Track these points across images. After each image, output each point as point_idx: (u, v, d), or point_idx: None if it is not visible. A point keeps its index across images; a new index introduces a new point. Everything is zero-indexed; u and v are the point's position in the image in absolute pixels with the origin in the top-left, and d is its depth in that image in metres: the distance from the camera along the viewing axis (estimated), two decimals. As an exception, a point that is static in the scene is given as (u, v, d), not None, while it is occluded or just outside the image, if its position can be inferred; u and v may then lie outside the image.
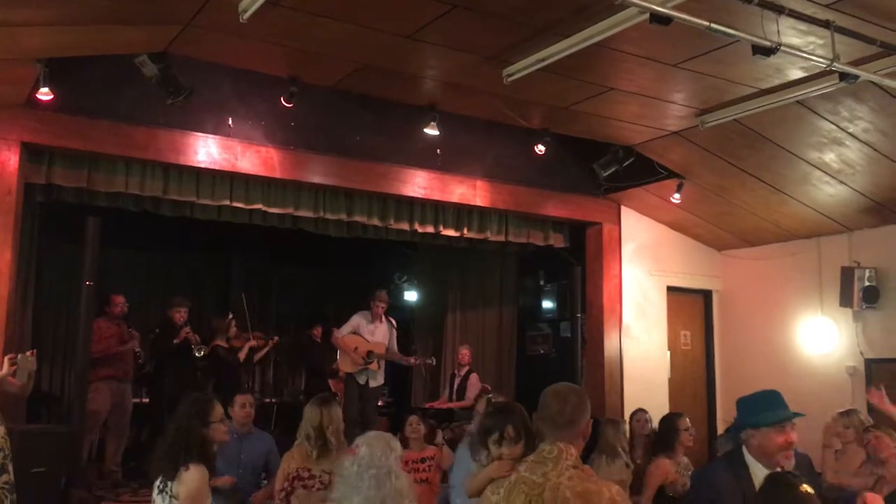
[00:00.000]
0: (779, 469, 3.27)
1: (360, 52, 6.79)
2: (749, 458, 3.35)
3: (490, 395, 7.46)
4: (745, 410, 3.46)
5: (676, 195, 9.05)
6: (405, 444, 6.06)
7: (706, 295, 10.74)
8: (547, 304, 11.17)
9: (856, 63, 5.96)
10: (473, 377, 10.01)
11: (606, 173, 8.95)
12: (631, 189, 9.45)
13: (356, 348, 8.94)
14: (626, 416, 9.14)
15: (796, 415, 3.42)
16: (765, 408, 3.39)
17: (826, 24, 5.53)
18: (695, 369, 10.64)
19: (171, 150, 7.29)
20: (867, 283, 8.67)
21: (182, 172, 7.56)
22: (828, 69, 5.85)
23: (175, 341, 8.55)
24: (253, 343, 9.70)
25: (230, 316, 9.65)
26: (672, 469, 5.70)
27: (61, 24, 5.83)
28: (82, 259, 7.03)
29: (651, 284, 10.13)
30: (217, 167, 7.51)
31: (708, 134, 7.95)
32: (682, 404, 9.51)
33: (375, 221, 8.67)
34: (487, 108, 8.07)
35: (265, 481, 5.90)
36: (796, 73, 6.62)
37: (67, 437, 6.64)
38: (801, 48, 5.79)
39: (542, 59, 6.42)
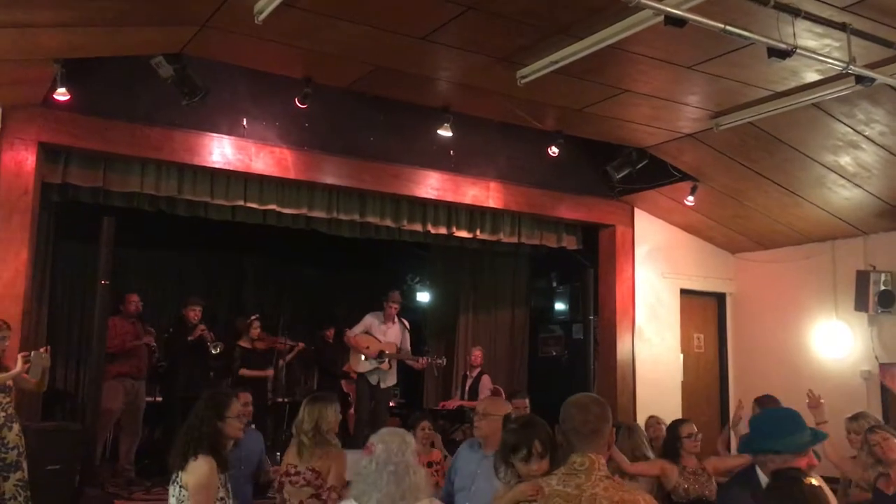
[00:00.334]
0: None
1: (374, 53, 6.81)
2: (763, 480, 3.28)
3: (510, 413, 7.42)
4: (765, 434, 3.32)
5: (690, 198, 9.02)
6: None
7: (719, 298, 10.70)
8: (559, 306, 11.15)
9: (872, 66, 5.93)
10: (485, 378, 9.99)
11: (620, 175, 8.94)
12: (644, 191, 9.43)
13: (368, 348, 8.96)
14: (639, 420, 9.12)
15: (819, 439, 3.34)
16: (787, 433, 3.26)
17: (842, 27, 5.51)
18: (708, 373, 10.59)
19: (186, 150, 7.34)
20: (883, 288, 8.60)
21: (197, 173, 7.61)
22: (844, 72, 5.82)
23: (190, 339, 8.58)
24: (282, 346, 9.71)
25: (252, 317, 9.67)
26: (674, 473, 5.65)
27: (78, 25, 5.88)
28: (97, 258, 7.08)
29: (664, 287, 10.10)
30: (231, 168, 7.55)
31: (722, 136, 7.92)
32: (694, 408, 9.49)
33: (388, 222, 8.69)
34: (501, 109, 8.07)
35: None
36: (812, 76, 6.59)
37: (81, 435, 6.69)
38: (817, 51, 5.76)
39: (556, 61, 6.42)
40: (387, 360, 8.97)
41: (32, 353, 6.09)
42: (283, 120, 7.72)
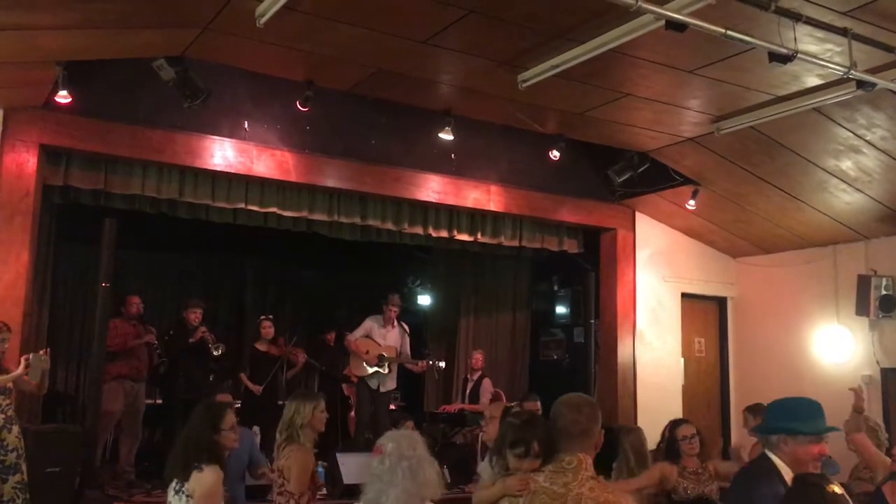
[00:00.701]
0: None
1: (375, 56, 6.82)
2: (779, 464, 3.29)
3: (513, 406, 7.40)
4: (781, 416, 3.35)
5: (691, 202, 9.02)
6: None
7: (721, 302, 10.69)
8: (560, 310, 11.15)
9: (873, 71, 5.93)
10: (486, 382, 9.99)
11: (621, 179, 8.93)
12: (646, 195, 9.42)
13: (368, 352, 8.95)
14: (640, 424, 9.11)
15: (833, 428, 3.36)
16: (806, 416, 3.30)
17: (843, 32, 5.51)
18: (709, 377, 10.58)
19: (188, 153, 7.34)
20: (884, 292, 8.60)
21: (198, 175, 7.62)
22: (845, 77, 5.81)
23: (191, 340, 8.58)
24: (294, 356, 9.70)
25: (261, 317, 9.66)
26: (673, 473, 5.66)
27: (80, 28, 5.88)
28: (98, 260, 7.08)
29: (665, 291, 10.09)
30: (233, 170, 7.56)
31: (724, 140, 7.92)
32: (695, 412, 9.47)
33: (389, 225, 8.69)
34: (502, 113, 8.08)
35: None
36: (813, 81, 6.59)
37: (81, 438, 6.68)
38: (819, 55, 5.76)
39: (557, 65, 6.42)
40: (387, 363, 8.97)
41: (32, 355, 6.09)
42: (285, 123, 7.74)
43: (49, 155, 7.05)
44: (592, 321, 9.50)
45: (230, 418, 3.95)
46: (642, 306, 9.89)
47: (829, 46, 5.81)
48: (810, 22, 5.37)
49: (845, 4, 5.30)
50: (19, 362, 6.02)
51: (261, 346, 9.30)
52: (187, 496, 3.66)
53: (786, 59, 5.45)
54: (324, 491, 7.09)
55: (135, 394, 8.18)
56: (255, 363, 9.26)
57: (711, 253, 10.47)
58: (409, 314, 11.12)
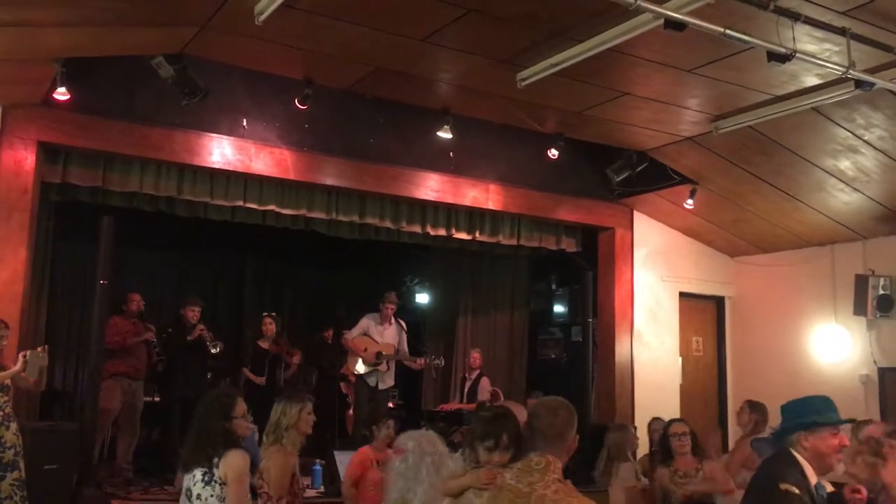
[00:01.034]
0: (831, 470, 3.27)
1: (374, 54, 6.82)
2: (801, 460, 3.30)
3: (486, 400, 7.46)
4: (797, 413, 3.39)
5: (690, 201, 9.02)
6: (370, 440, 6.04)
7: (719, 301, 10.70)
8: (558, 309, 11.15)
9: (872, 70, 5.93)
10: (484, 381, 9.99)
11: (619, 178, 8.94)
12: (644, 194, 9.43)
13: (366, 349, 8.95)
14: (637, 423, 9.13)
15: (850, 420, 3.47)
16: (820, 410, 3.36)
17: (842, 32, 5.51)
18: (706, 376, 10.59)
19: (186, 150, 7.34)
20: (881, 292, 8.62)
21: (196, 173, 7.61)
22: (843, 76, 5.82)
23: (189, 338, 8.58)
24: (292, 356, 9.71)
25: (263, 315, 9.66)
26: (665, 477, 5.68)
27: (78, 25, 5.88)
28: (97, 258, 7.07)
29: (663, 290, 10.10)
30: (231, 168, 7.55)
31: (722, 140, 7.93)
32: (693, 411, 9.49)
33: (388, 224, 8.69)
34: (501, 111, 8.08)
35: None
36: (812, 80, 6.59)
37: (79, 435, 6.67)
38: (817, 55, 5.76)
39: (556, 64, 6.42)
40: (384, 361, 8.97)
41: (29, 351, 6.08)
42: (283, 121, 7.73)
43: (47, 152, 7.05)
44: (590, 320, 9.51)
45: (241, 406, 3.92)
46: (640, 305, 9.89)
47: (828, 46, 5.82)
48: (809, 21, 5.37)
49: (844, 4, 5.31)
50: (17, 359, 6.01)
51: (263, 344, 9.31)
52: (220, 483, 3.64)
53: (784, 58, 5.46)
54: (306, 493, 7.10)
55: (132, 392, 8.18)
56: (256, 360, 9.26)
57: (709, 252, 10.48)
58: (407, 313, 11.11)
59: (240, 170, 7.59)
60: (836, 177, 8.04)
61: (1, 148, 6.70)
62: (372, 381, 8.99)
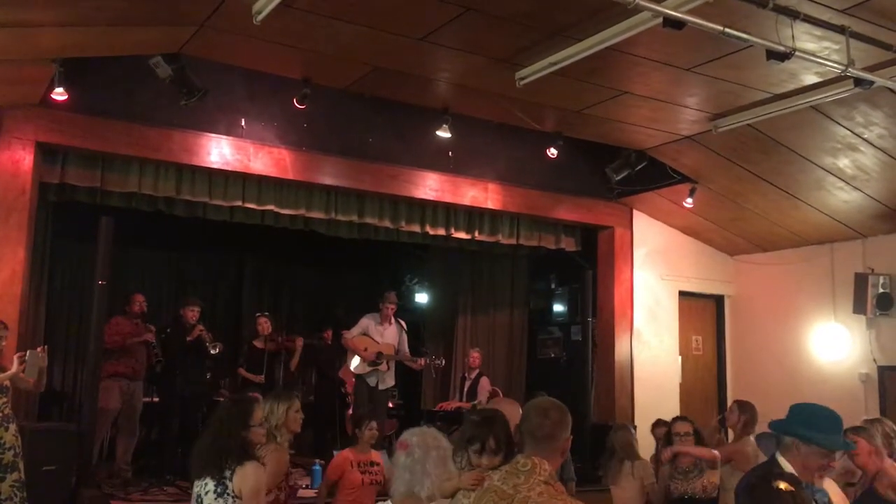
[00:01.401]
0: (814, 482, 3.25)
1: (372, 54, 6.81)
2: (787, 467, 3.29)
3: (479, 402, 7.45)
4: (803, 421, 3.35)
5: (689, 200, 9.02)
6: (355, 442, 6.03)
7: (718, 300, 10.69)
8: (558, 308, 11.14)
9: (871, 69, 5.93)
10: (484, 380, 9.98)
11: (619, 177, 8.93)
12: (643, 193, 9.43)
13: (366, 349, 8.94)
14: (637, 422, 9.13)
15: (849, 447, 3.43)
16: (826, 428, 3.31)
17: (841, 30, 5.51)
18: (706, 375, 10.59)
19: (185, 150, 7.33)
20: (881, 290, 8.61)
21: (195, 173, 7.60)
22: (843, 74, 5.82)
23: (188, 339, 8.56)
24: (289, 344, 9.66)
25: (257, 315, 9.65)
26: (664, 473, 5.70)
27: (76, 25, 5.87)
28: (95, 258, 7.06)
29: (663, 289, 10.10)
30: (230, 168, 7.54)
31: (721, 138, 7.92)
32: (692, 410, 9.46)
33: (387, 223, 8.68)
34: (500, 110, 8.07)
35: None
36: (811, 78, 6.59)
37: (78, 436, 6.66)
38: (816, 53, 5.76)
39: (555, 63, 6.41)
40: (384, 361, 8.96)
41: (28, 352, 6.06)
42: (282, 120, 7.72)
43: (45, 152, 7.04)
44: (590, 319, 9.51)
45: (259, 413, 3.93)
46: (640, 304, 9.89)
47: (827, 44, 5.81)
48: (808, 20, 5.36)
49: (843, 2, 5.30)
50: (15, 360, 5.99)
51: (258, 343, 9.29)
52: (234, 497, 3.63)
53: (783, 56, 5.45)
54: (306, 494, 7.09)
55: (131, 393, 8.17)
56: (252, 359, 9.24)
57: (709, 251, 10.47)
58: (407, 312, 11.10)
59: (238, 170, 7.58)
60: (835, 175, 8.04)
61: (-1, 148, 6.69)
62: (372, 381, 8.97)
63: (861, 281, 8.73)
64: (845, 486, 4.43)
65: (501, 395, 9.50)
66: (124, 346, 8.11)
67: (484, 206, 8.92)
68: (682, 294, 10.26)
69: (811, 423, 3.32)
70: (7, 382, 5.96)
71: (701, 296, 10.50)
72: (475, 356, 10.19)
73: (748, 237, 10.03)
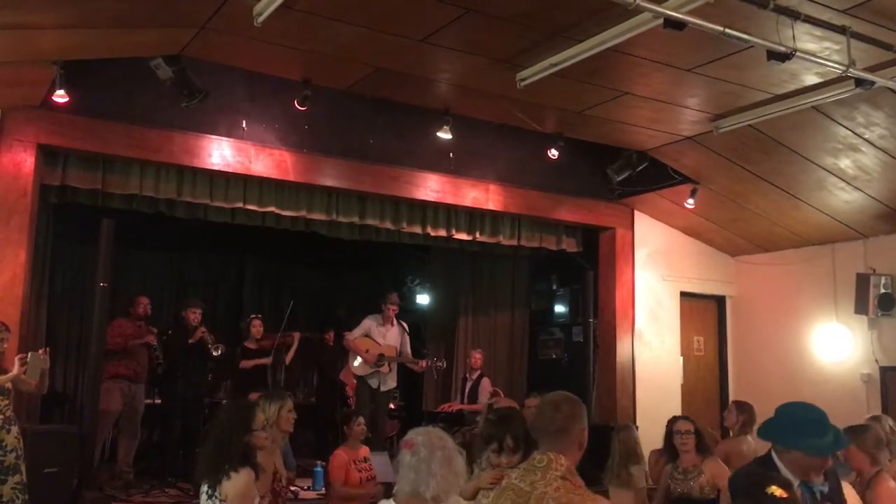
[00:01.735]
0: (811, 480, 3.25)
1: (373, 55, 6.81)
2: (781, 467, 3.29)
3: (491, 402, 7.45)
4: (789, 428, 3.33)
5: (690, 200, 9.01)
6: (344, 440, 6.02)
7: (720, 301, 10.69)
8: (559, 309, 11.13)
9: (872, 69, 5.92)
10: (485, 381, 9.97)
11: (620, 178, 8.93)
12: (644, 194, 9.42)
13: (367, 351, 8.94)
14: (638, 422, 9.11)
15: (840, 445, 3.37)
16: (813, 433, 3.28)
17: (842, 30, 5.50)
18: (708, 375, 10.58)
19: (186, 152, 7.33)
20: (883, 291, 8.60)
21: (196, 175, 7.60)
22: (843, 75, 5.81)
23: (191, 341, 8.56)
24: (285, 340, 9.66)
25: (251, 317, 9.66)
26: (668, 475, 5.70)
27: (77, 27, 5.87)
28: (96, 260, 7.06)
29: (664, 290, 10.09)
30: (231, 170, 7.54)
31: (722, 139, 7.92)
32: (694, 410, 9.45)
33: (388, 224, 8.68)
34: (500, 111, 8.07)
35: None
36: (812, 79, 6.58)
37: (79, 438, 6.66)
38: (817, 54, 5.75)
39: (556, 64, 6.41)
40: (386, 362, 8.96)
41: (30, 354, 6.07)
42: (283, 122, 7.72)
43: (46, 154, 7.04)
44: (591, 320, 9.49)
45: (261, 417, 3.95)
46: (641, 305, 9.89)
47: (828, 44, 5.81)
48: (809, 20, 5.36)
49: (844, 2, 5.30)
50: (16, 362, 5.98)
51: (250, 345, 9.28)
52: (221, 501, 3.65)
53: (784, 57, 5.45)
54: (307, 495, 7.09)
55: (132, 394, 8.17)
56: (249, 359, 9.24)
57: (710, 252, 10.47)
58: (408, 313, 11.10)
59: (239, 171, 7.58)
60: (836, 175, 8.03)
61: (0, 150, 6.69)
62: (374, 383, 8.97)
63: (863, 281, 8.73)
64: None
65: (503, 395, 9.49)
66: (126, 348, 8.11)
67: (485, 207, 8.92)
68: (683, 295, 10.25)
69: (797, 429, 3.29)
70: (9, 384, 5.96)
71: (702, 296, 10.49)
72: (476, 357, 10.18)
73: (749, 238, 10.02)
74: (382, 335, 9.07)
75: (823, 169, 7.98)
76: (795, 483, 3.24)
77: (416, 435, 3.06)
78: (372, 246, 9.74)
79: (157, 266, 11.34)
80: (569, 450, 2.78)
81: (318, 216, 8.29)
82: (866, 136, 7.29)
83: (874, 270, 8.71)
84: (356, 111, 7.99)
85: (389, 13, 5.96)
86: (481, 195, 8.84)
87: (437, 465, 2.89)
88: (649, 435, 7.44)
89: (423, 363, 9.67)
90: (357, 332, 9.14)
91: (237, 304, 12.13)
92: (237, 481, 3.64)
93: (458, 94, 7.63)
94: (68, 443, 6.55)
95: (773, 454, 3.35)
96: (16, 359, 5.97)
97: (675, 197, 9.31)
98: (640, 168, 8.86)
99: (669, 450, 5.86)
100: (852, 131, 7.26)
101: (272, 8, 5.51)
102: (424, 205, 8.75)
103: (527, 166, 8.99)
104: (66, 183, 7.21)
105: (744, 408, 6.48)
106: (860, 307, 8.73)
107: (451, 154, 8.52)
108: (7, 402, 5.96)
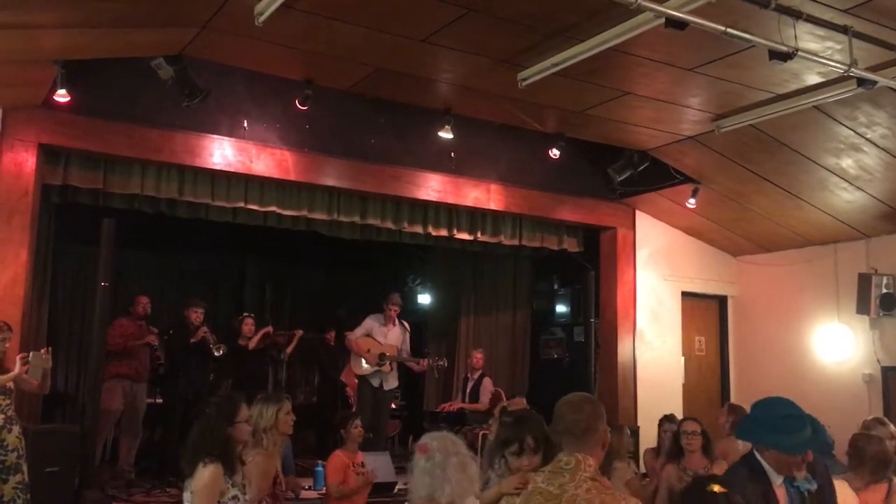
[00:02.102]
0: (793, 476, 3.23)
1: (374, 55, 6.81)
2: (764, 464, 3.29)
3: (505, 404, 7.45)
4: (764, 426, 3.30)
5: (692, 200, 9.01)
6: (342, 443, 6.00)
7: (721, 300, 10.68)
8: (561, 309, 11.12)
9: (874, 68, 5.91)
10: (486, 381, 9.97)
11: (621, 178, 8.93)
12: (646, 194, 9.41)
13: (369, 350, 8.94)
14: (640, 422, 9.13)
15: (819, 439, 3.31)
16: (788, 430, 3.24)
17: (844, 30, 5.50)
18: (709, 375, 10.57)
19: (187, 152, 7.33)
20: (884, 291, 8.59)
21: (197, 174, 7.60)
22: (845, 74, 5.80)
23: (192, 341, 8.56)
24: (268, 329, 9.65)
25: (243, 315, 9.66)
26: (674, 475, 5.69)
27: (78, 27, 5.87)
28: (97, 260, 7.06)
29: (665, 289, 10.08)
30: (232, 169, 7.54)
31: (724, 139, 7.91)
32: (695, 410, 9.42)
33: (389, 224, 8.68)
34: (502, 111, 8.06)
35: None
36: (813, 78, 6.57)
37: (81, 437, 6.66)
38: (819, 53, 5.74)
39: (557, 64, 6.40)
40: (388, 362, 8.96)
41: (31, 353, 6.07)
42: (284, 122, 7.72)
43: (48, 154, 7.04)
44: (593, 320, 9.48)
45: (244, 411, 3.95)
46: (642, 305, 9.88)
47: (830, 44, 5.80)
48: (810, 19, 5.35)
49: (846, 2, 5.29)
50: (17, 362, 5.99)
51: (241, 342, 9.28)
52: (190, 492, 3.69)
53: (786, 56, 5.44)
54: (290, 496, 7.07)
55: (134, 394, 8.17)
56: (243, 358, 9.24)
57: (712, 251, 10.46)
58: (409, 313, 11.09)
59: (241, 171, 7.58)
60: (838, 175, 8.02)
61: (1, 150, 6.69)
62: (375, 382, 8.98)
63: (864, 281, 8.71)
64: None
65: (504, 395, 9.50)
66: (127, 348, 8.12)
67: (486, 206, 8.91)
68: (684, 294, 10.24)
69: (772, 428, 3.25)
70: (10, 384, 5.97)
71: (704, 296, 10.48)
72: (478, 357, 10.18)
73: (751, 238, 10.01)
74: (384, 335, 9.08)
75: (825, 169, 7.97)
76: (779, 480, 3.23)
77: (431, 440, 3.05)
78: (373, 246, 9.74)
79: (158, 266, 11.33)
80: (594, 450, 2.76)
81: (319, 216, 8.28)
82: (868, 136, 7.28)
83: (876, 270, 8.70)
84: (357, 111, 7.99)
85: (390, 13, 5.96)
86: (483, 195, 8.83)
87: (452, 470, 2.88)
88: (650, 435, 7.46)
89: (424, 363, 9.68)
90: (359, 331, 9.14)
91: (238, 303, 12.13)
92: (203, 475, 3.65)
93: (459, 93, 7.63)
94: (69, 442, 6.55)
95: (755, 452, 3.33)
96: (17, 358, 5.97)
97: (676, 197, 9.30)
98: (642, 168, 8.85)
99: (673, 450, 5.85)
100: (854, 131, 7.25)
101: (273, 8, 5.51)
102: (426, 205, 8.75)
103: (528, 166, 8.98)
104: (67, 183, 7.21)
105: (735, 410, 6.53)
106: (862, 307, 8.72)
107: (452, 154, 8.52)
108: (8, 401, 5.97)
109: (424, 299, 13.00)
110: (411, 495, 2.94)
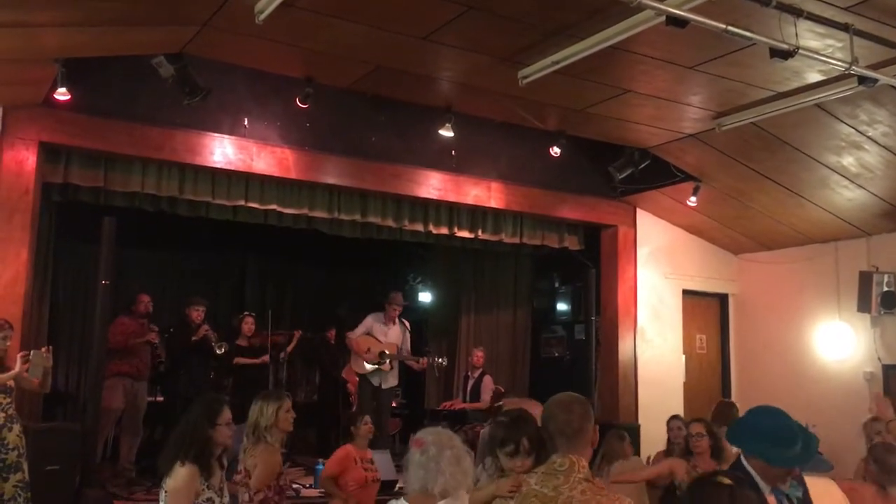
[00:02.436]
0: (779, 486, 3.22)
1: (375, 53, 6.80)
2: (751, 471, 3.25)
3: (501, 403, 7.46)
4: (756, 435, 3.20)
5: (693, 198, 9.00)
6: (351, 439, 6.02)
7: (722, 299, 10.67)
8: (561, 307, 11.13)
9: (875, 66, 5.90)
10: (487, 379, 9.98)
11: (622, 176, 8.91)
12: (647, 192, 9.41)
13: (369, 349, 8.95)
14: (641, 421, 9.13)
15: (809, 456, 3.21)
16: (780, 442, 3.14)
17: (845, 28, 5.48)
18: (710, 373, 10.57)
19: (187, 150, 7.33)
20: (886, 289, 8.58)
21: (198, 173, 7.60)
22: (846, 72, 5.80)
23: (194, 338, 8.57)
24: (278, 338, 9.67)
25: (244, 314, 9.67)
26: (682, 469, 5.69)
27: (79, 25, 5.87)
28: (98, 258, 7.06)
29: (666, 287, 10.08)
30: (232, 167, 7.54)
31: (725, 137, 7.90)
32: (696, 409, 9.44)
33: (390, 222, 8.68)
34: (502, 109, 8.06)
35: None
36: (814, 76, 6.56)
37: (81, 436, 6.66)
38: (820, 51, 5.73)
39: (558, 62, 6.40)
40: (388, 361, 8.96)
41: (32, 352, 6.08)
42: (285, 120, 7.72)
43: (48, 152, 7.03)
44: (593, 318, 9.47)
45: (227, 413, 3.95)
46: (643, 303, 9.88)
47: (831, 42, 5.79)
48: (811, 17, 5.34)
49: (847, 0, 5.28)
50: (18, 360, 5.99)
51: (240, 342, 9.29)
52: (165, 491, 3.71)
53: (787, 54, 5.43)
54: (309, 493, 7.09)
55: (135, 392, 8.18)
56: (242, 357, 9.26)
57: (713, 249, 10.45)
58: (410, 311, 11.10)
59: (241, 169, 7.58)
60: (839, 173, 8.01)
61: (2, 149, 6.69)
62: (376, 381, 8.99)
63: (866, 279, 8.70)
64: None
65: (505, 393, 9.49)
66: (128, 346, 8.12)
67: (487, 204, 8.91)
68: (685, 293, 10.24)
69: (765, 439, 3.16)
70: (11, 382, 5.97)
71: (705, 294, 10.48)
72: (478, 355, 10.19)
73: (752, 236, 10.00)
74: (384, 333, 9.09)
75: (826, 167, 7.96)
76: (767, 490, 3.19)
77: (426, 434, 3.06)
78: (373, 244, 9.74)
79: (158, 264, 11.34)
80: (584, 450, 2.76)
81: (319, 214, 8.28)
82: (869, 134, 7.27)
83: (877, 268, 8.69)
84: (358, 109, 7.99)
85: (391, 11, 5.95)
86: (483, 193, 8.83)
87: (445, 463, 2.89)
88: (651, 433, 7.45)
89: (424, 361, 9.68)
90: (359, 330, 9.15)
91: (239, 302, 12.14)
92: (178, 475, 3.67)
93: (459, 91, 7.62)
94: (70, 440, 6.55)
95: (742, 458, 3.26)
96: (18, 356, 5.98)
97: (677, 195, 9.29)
98: (643, 166, 8.84)
99: (687, 450, 5.86)
100: (855, 129, 7.24)
101: (273, 6, 5.51)
102: (426, 203, 8.75)
103: (529, 164, 8.98)
104: (68, 181, 7.21)
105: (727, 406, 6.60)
106: (863, 305, 8.71)
107: (452, 152, 8.52)
108: (9, 400, 5.97)
109: (425, 297, 13.00)
110: (406, 488, 2.95)
